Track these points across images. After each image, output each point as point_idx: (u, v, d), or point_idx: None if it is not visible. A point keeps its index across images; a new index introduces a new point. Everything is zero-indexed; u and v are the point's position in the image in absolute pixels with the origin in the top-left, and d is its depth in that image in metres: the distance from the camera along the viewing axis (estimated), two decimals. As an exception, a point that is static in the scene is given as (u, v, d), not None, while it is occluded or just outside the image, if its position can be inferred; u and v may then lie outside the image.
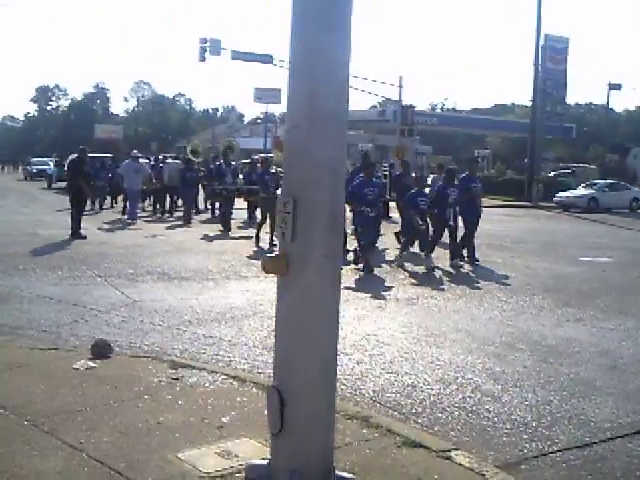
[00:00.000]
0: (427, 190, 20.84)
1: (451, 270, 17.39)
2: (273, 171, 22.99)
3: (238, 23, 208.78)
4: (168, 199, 32.24)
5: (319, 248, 4.92)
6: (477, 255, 18.77)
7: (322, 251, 4.92)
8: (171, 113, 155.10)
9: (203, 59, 48.72)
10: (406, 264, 17.64)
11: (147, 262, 16.62)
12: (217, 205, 29.42)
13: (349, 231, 18.05)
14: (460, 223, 18.89)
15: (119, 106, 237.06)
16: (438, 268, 17.41)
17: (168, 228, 25.89)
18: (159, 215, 31.43)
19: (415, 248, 19.47)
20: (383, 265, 17.70)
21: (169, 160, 35.38)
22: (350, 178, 19.25)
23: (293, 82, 5.02)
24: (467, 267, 17.76)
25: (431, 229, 18.94)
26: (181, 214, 29.48)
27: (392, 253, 19.64)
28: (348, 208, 15.94)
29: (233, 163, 27.26)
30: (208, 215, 31.11)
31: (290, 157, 5.06)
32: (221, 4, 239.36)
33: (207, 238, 22.60)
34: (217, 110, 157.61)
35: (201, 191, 31.90)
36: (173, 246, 19.93)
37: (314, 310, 4.97)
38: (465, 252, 18.75)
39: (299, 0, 4.96)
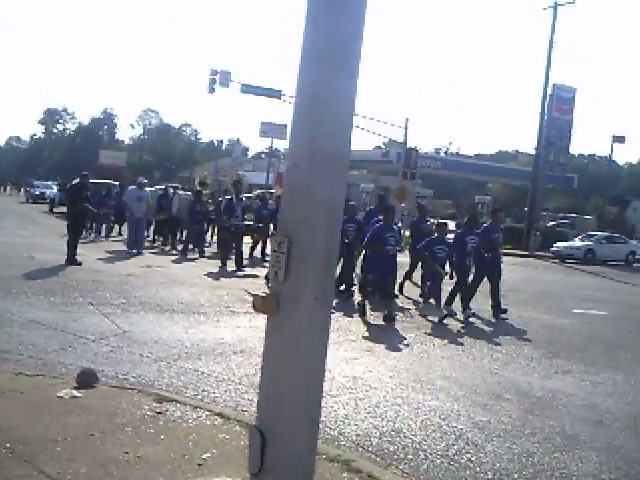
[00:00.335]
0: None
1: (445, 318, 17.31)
2: None
3: (249, 56, 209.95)
4: (174, 231, 31.23)
5: (311, 289, 4.92)
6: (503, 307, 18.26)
7: (314, 292, 4.92)
8: (176, 142, 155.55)
9: (212, 90, 49.11)
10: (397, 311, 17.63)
11: (140, 292, 16.57)
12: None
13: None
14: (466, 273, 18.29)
15: (125, 133, 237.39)
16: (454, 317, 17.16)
17: (169, 260, 25.61)
18: (161, 247, 30.70)
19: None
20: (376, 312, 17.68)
21: (180, 191, 34.38)
22: (366, 221, 19.60)
23: (297, 120, 5.05)
24: (459, 317, 17.71)
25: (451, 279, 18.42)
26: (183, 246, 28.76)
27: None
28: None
29: (244, 199, 26.17)
30: (215, 250, 29.75)
31: (289, 196, 5.09)
32: (233, 36, 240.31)
33: (204, 272, 22.53)
34: (222, 142, 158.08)
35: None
36: (168, 278, 19.86)
37: (301, 352, 4.96)
38: (489, 304, 18.15)
39: (309, 38, 4.99)
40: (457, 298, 17.44)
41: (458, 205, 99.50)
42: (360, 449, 7.68)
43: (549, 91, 53.00)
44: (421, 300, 19.59)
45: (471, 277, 18.20)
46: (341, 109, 4.99)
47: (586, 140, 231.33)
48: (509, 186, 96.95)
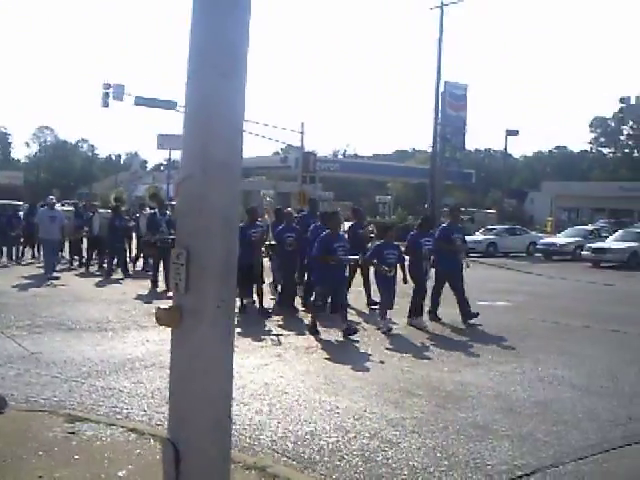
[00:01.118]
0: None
1: (360, 316, 17.37)
2: None
3: (142, 69, 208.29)
4: (97, 251, 28.89)
5: (212, 299, 4.91)
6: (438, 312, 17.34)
7: (215, 302, 4.92)
8: (73, 159, 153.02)
9: (106, 104, 48.57)
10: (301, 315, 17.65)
11: (46, 312, 16.27)
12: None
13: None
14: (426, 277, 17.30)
15: (20, 151, 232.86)
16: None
17: (87, 280, 24.76)
18: (79, 267, 28.71)
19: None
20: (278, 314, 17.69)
21: (101, 210, 31.60)
22: (303, 228, 18.80)
23: (188, 130, 5.03)
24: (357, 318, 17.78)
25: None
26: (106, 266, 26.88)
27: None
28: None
29: (168, 212, 24.22)
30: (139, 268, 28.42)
31: (184, 207, 5.07)
32: (126, 50, 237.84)
33: (107, 287, 22.28)
34: (120, 156, 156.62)
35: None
36: (73, 296, 19.56)
37: (207, 362, 4.95)
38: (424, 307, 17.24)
39: (195, 45, 4.98)
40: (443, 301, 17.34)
41: (360, 206, 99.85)
42: (276, 454, 7.68)
43: (441, 88, 53.65)
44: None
45: (430, 283, 17.30)
46: (231, 116, 4.99)
47: (482, 135, 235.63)
48: (409, 184, 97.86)
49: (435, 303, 17.28)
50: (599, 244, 40.70)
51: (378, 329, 15.44)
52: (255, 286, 17.66)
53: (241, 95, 5.06)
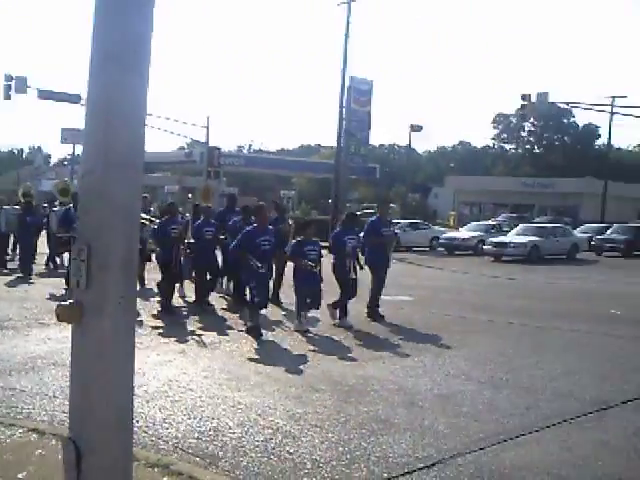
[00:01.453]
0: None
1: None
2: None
3: (46, 62, 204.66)
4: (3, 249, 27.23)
5: (113, 294, 4.87)
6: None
7: (116, 298, 4.88)
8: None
9: (8, 97, 47.55)
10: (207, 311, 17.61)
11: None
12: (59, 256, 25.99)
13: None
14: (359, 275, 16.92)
15: None
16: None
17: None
18: None
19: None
20: (184, 310, 17.62)
21: (6, 206, 28.89)
22: (220, 221, 18.59)
23: (89, 125, 4.98)
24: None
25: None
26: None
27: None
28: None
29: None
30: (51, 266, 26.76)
31: (85, 203, 5.01)
32: (29, 42, 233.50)
33: (10, 285, 21.85)
34: (22, 151, 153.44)
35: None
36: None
37: (108, 358, 4.90)
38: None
39: (97, 39, 4.92)
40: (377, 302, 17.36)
41: (265, 201, 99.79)
42: (180, 451, 7.66)
43: (347, 84, 53.89)
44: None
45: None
46: (133, 111, 4.96)
47: (386, 131, 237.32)
48: (313, 179, 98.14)
49: (346, 302, 16.40)
50: (500, 238, 41.41)
51: (297, 330, 15.04)
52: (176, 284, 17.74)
53: (144, 90, 5.03)
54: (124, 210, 4.90)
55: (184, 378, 10.77)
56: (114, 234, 4.87)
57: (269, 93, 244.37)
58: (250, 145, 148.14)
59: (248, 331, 14.42)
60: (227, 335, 14.38)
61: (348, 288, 16.29)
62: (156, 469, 6.83)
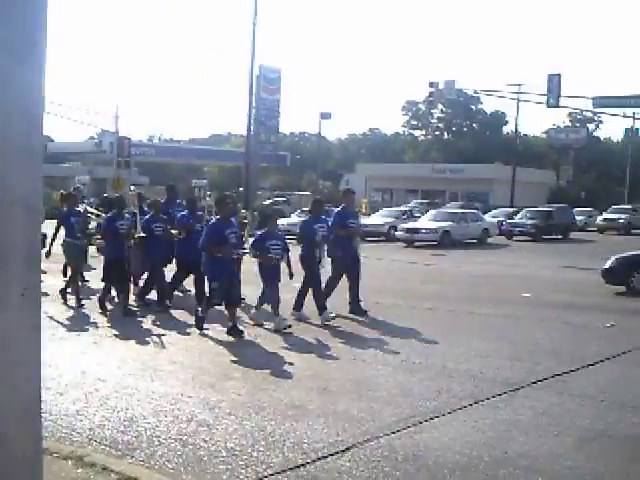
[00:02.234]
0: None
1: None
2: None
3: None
4: None
5: (16, 287, 4.78)
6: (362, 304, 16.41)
7: (20, 290, 4.79)
8: None
9: None
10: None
11: None
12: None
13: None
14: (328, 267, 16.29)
15: None
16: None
17: None
18: None
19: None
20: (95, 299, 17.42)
21: None
22: (164, 214, 17.56)
23: (-17, 116, 4.86)
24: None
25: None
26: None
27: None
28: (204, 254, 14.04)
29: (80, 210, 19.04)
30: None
31: (-17, 195, 4.94)
32: None
33: None
34: None
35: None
36: None
37: (14, 350, 4.80)
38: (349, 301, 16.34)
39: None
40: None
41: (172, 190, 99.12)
42: (94, 442, 7.60)
43: (256, 72, 53.84)
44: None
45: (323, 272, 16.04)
46: (30, 101, 4.84)
47: (296, 118, 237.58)
48: (225, 168, 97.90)
49: (322, 296, 15.60)
50: (412, 224, 41.67)
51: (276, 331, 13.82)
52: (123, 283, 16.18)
53: (39, 79, 4.92)
54: (24, 201, 4.80)
55: (97, 369, 10.67)
56: (14, 225, 4.78)
57: (179, 82, 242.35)
58: (161, 135, 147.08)
59: (197, 321, 13.85)
60: (140, 326, 14.27)
61: (316, 279, 15.58)
62: (70, 461, 6.78)
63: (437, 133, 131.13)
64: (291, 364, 11.22)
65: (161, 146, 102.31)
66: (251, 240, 15.88)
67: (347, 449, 7.50)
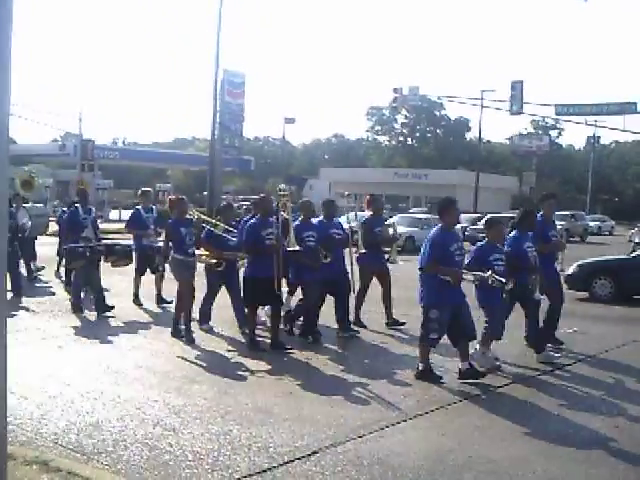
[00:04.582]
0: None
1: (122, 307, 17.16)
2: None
3: None
4: None
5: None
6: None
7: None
8: None
9: None
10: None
11: None
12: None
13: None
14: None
15: None
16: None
17: None
18: None
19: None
20: (58, 302, 17.31)
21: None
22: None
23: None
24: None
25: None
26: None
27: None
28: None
29: (93, 209, 17.64)
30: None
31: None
32: None
33: None
34: None
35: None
36: None
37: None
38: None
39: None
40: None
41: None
42: (59, 447, 7.56)
43: (220, 76, 53.68)
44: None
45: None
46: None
47: (261, 123, 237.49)
48: (189, 172, 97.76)
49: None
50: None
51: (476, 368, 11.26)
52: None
53: (5, 82, 4.95)
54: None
55: (62, 373, 10.61)
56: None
57: (142, 86, 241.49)
58: (125, 138, 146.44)
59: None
60: (105, 330, 14.16)
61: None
62: (34, 466, 6.74)
63: (401, 138, 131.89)
64: (255, 368, 11.23)
65: (125, 149, 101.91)
66: None
67: (313, 453, 7.54)
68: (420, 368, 10.78)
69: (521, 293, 11.87)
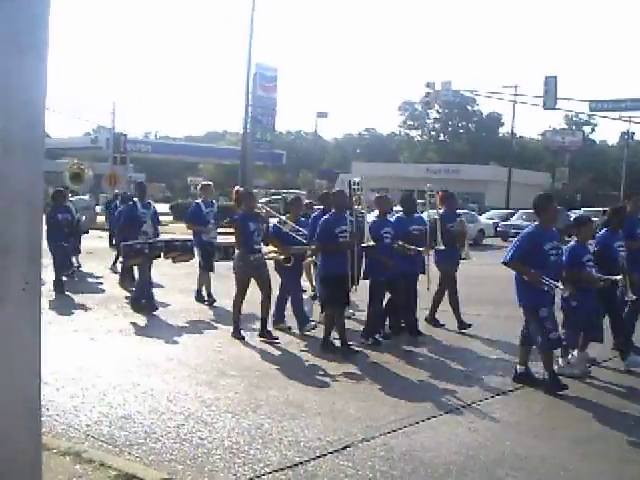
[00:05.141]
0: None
1: (161, 301, 17.26)
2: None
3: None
4: None
5: (17, 282, 4.80)
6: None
7: (20, 285, 4.81)
8: None
9: None
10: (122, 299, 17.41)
11: None
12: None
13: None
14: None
15: None
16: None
17: None
18: None
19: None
20: (95, 296, 17.39)
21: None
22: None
23: (-15, 110, 4.87)
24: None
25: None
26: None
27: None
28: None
29: (151, 203, 17.21)
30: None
31: (-16, 189, 4.93)
32: None
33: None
34: None
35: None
36: None
37: (13, 346, 4.82)
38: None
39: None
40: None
41: (172, 187, 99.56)
42: (91, 439, 7.59)
43: (252, 70, 53.69)
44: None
45: None
46: (31, 95, 4.88)
47: (293, 117, 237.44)
48: (220, 166, 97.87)
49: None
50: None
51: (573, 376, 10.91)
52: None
53: (42, 73, 4.94)
54: (25, 195, 4.83)
55: (94, 365, 10.67)
56: (15, 220, 4.80)
57: (175, 79, 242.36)
58: (157, 132, 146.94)
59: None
60: (137, 322, 14.26)
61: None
62: (68, 457, 6.78)
63: (433, 133, 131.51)
64: (287, 362, 11.25)
65: (157, 143, 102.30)
66: None
67: (344, 447, 7.52)
68: (546, 377, 10.11)
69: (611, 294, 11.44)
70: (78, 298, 16.87)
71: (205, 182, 18.66)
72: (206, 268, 16.78)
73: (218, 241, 17.09)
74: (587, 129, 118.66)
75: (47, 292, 16.22)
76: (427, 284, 14.21)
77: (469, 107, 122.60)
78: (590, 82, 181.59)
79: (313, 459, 7.21)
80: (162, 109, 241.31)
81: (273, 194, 69.35)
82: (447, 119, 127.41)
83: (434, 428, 8.30)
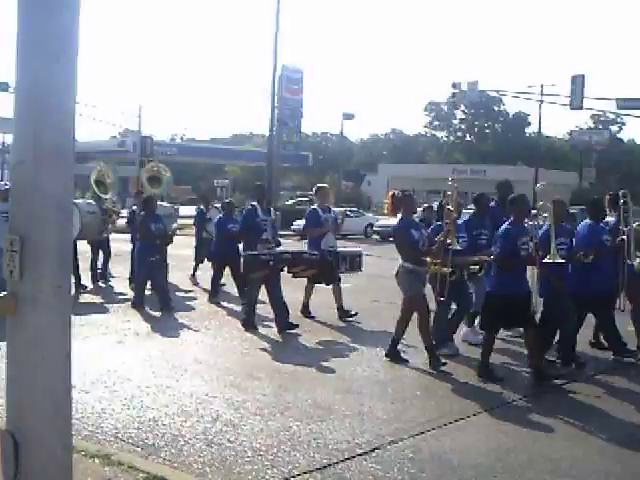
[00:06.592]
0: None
1: (188, 303, 17.32)
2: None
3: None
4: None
5: (48, 286, 4.82)
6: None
7: (52, 288, 4.84)
8: None
9: None
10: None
11: None
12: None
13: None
14: None
15: None
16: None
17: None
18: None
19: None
20: (123, 299, 17.45)
21: (78, 200, 19.33)
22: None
23: (18, 114, 4.92)
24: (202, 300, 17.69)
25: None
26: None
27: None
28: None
29: (272, 209, 15.80)
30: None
31: (17, 194, 4.94)
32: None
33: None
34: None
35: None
36: None
37: (44, 349, 4.84)
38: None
39: (23, 28, 4.86)
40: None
41: (198, 190, 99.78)
42: (120, 442, 7.60)
43: (278, 72, 53.73)
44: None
45: None
46: (62, 100, 4.91)
47: (318, 119, 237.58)
48: (246, 168, 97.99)
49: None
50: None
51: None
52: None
53: (72, 79, 4.97)
54: (56, 199, 4.85)
55: (122, 368, 10.69)
56: (47, 224, 4.83)
57: (201, 82, 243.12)
58: (183, 134, 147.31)
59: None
60: (165, 324, 14.29)
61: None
62: (97, 460, 6.81)
63: (459, 134, 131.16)
64: (315, 365, 11.21)
65: (183, 145, 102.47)
66: None
67: (373, 450, 7.51)
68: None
69: None
70: (106, 301, 16.93)
71: (321, 185, 16.83)
72: (330, 280, 15.35)
73: (339, 249, 15.81)
74: (614, 128, 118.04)
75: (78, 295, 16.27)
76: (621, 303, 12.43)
77: (495, 107, 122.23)
78: (617, 80, 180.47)
79: (341, 461, 7.20)
80: (188, 112, 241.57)
81: (300, 196, 69.31)
82: (473, 119, 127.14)
83: (463, 430, 8.28)
